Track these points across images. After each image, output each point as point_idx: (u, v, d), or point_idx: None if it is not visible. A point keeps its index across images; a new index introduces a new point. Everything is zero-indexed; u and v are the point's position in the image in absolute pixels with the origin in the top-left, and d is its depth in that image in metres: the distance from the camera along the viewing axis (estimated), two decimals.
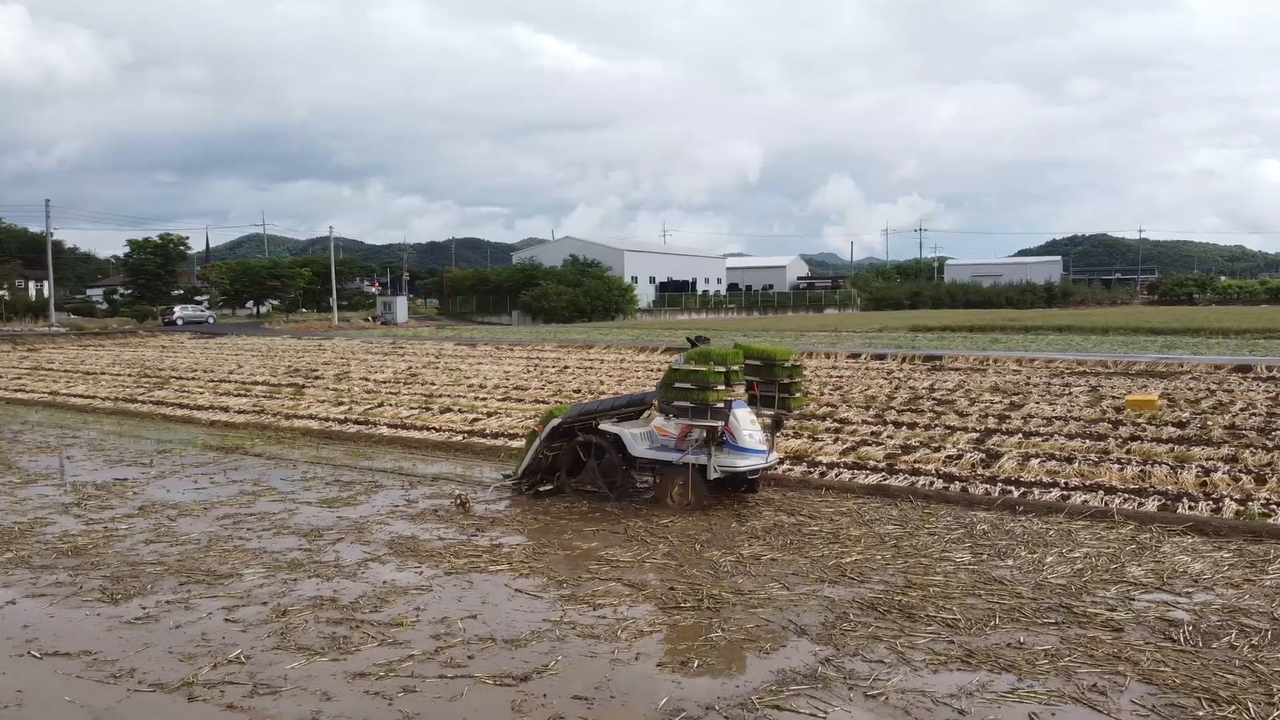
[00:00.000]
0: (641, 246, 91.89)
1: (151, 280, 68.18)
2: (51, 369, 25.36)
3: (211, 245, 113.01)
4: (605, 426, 8.68)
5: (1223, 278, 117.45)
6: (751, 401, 8.34)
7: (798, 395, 8.52)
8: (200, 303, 69.73)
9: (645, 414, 9.00)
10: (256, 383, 20.12)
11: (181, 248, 72.67)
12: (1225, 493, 8.37)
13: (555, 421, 8.80)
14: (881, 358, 22.25)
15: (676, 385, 7.84)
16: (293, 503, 8.82)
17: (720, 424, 7.78)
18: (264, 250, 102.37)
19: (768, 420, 8.46)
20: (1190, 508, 7.93)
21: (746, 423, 8.06)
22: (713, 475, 8.00)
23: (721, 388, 7.69)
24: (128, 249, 70.15)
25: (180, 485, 9.71)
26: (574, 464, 8.89)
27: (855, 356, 22.76)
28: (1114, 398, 14.54)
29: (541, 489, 8.89)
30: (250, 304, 73.76)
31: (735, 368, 7.89)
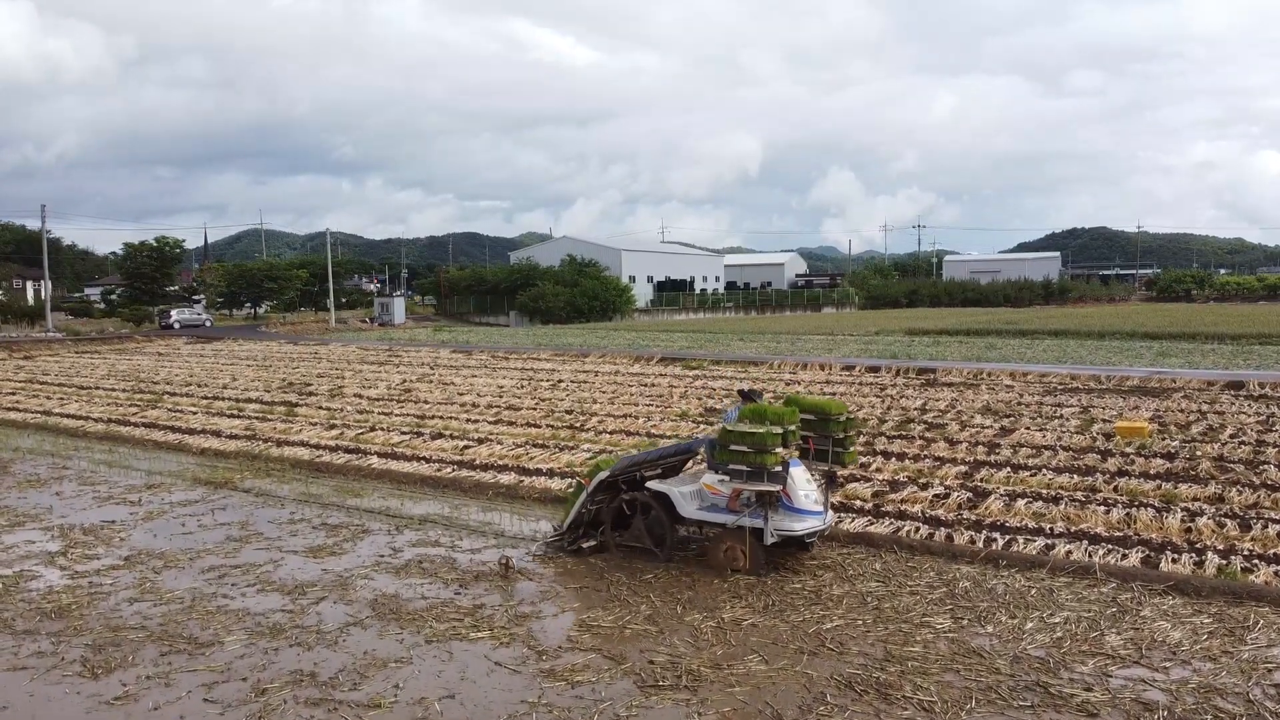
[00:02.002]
0: (639, 246, 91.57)
1: (148, 283, 68.05)
2: (46, 381, 25.36)
3: (210, 241, 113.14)
4: (652, 484, 8.34)
5: (1221, 271, 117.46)
6: (804, 456, 8.07)
7: (851, 450, 8.21)
8: (197, 302, 69.56)
9: (689, 464, 8.75)
10: (250, 399, 20.13)
11: (177, 250, 72.41)
12: (1209, 542, 8.38)
13: (602, 475, 8.39)
14: (875, 370, 22.27)
15: (732, 447, 7.51)
16: (279, 551, 8.83)
17: (778, 488, 7.49)
18: (262, 245, 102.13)
19: (820, 478, 8.12)
20: (1173, 560, 7.95)
21: (803, 483, 7.73)
22: (769, 540, 7.67)
23: (780, 450, 7.41)
24: (123, 251, 69.95)
25: (167, 529, 9.72)
26: (618, 518, 8.53)
27: (850, 368, 22.77)
28: (1105, 420, 14.58)
29: (585, 545, 8.57)
30: (247, 305, 73.61)
31: (792, 428, 7.57)
